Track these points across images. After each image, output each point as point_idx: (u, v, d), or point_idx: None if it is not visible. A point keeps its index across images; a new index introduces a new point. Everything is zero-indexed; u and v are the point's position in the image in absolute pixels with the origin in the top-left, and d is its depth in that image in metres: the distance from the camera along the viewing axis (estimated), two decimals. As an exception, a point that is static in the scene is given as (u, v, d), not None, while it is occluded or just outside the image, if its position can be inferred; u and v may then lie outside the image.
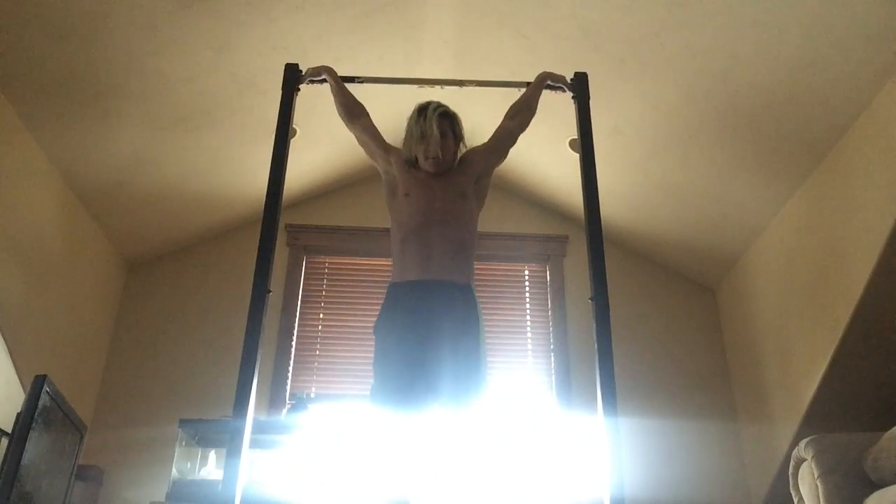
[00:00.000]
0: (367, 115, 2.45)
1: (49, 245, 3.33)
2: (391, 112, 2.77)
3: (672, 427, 3.90)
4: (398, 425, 2.02)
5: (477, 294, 2.20)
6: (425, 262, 2.15)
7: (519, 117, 2.45)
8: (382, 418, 2.03)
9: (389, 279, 2.24)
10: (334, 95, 2.45)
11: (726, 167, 3.46)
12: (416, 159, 2.30)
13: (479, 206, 2.35)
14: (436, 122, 2.24)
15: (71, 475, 3.05)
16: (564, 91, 2.44)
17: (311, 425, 3.57)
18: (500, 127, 2.44)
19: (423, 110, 2.29)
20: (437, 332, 2.09)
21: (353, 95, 2.46)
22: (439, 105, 2.31)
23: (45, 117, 3.04)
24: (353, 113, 2.43)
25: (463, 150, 2.38)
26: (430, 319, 2.10)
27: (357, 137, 2.45)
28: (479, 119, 2.90)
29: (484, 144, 2.42)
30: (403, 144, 2.33)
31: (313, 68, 2.43)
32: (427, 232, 2.18)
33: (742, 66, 2.87)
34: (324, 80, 2.45)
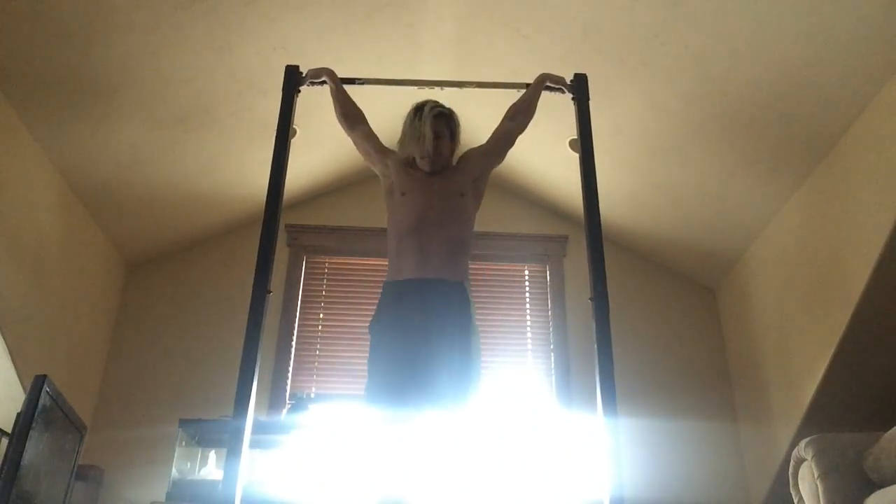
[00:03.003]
0: (366, 121, 2.45)
1: (49, 245, 3.33)
2: (391, 113, 2.76)
3: (672, 427, 3.90)
4: (393, 424, 2.02)
5: (471, 293, 2.21)
6: (421, 261, 2.16)
7: (518, 118, 2.45)
8: (377, 418, 2.03)
9: (385, 278, 2.24)
10: (334, 100, 2.45)
11: (726, 167, 3.46)
12: (413, 159, 2.30)
13: (476, 205, 2.36)
14: (431, 121, 2.24)
15: (71, 475, 3.05)
16: (564, 92, 2.44)
17: (311, 425, 3.57)
18: (498, 127, 2.44)
19: (419, 110, 2.29)
20: (430, 330, 2.09)
21: (352, 102, 2.46)
22: (436, 104, 2.30)
23: (45, 117, 3.04)
24: (353, 120, 2.43)
25: (461, 149, 2.38)
26: (423, 318, 2.10)
27: (355, 143, 2.46)
28: (479, 120, 2.90)
29: (483, 145, 2.42)
30: (399, 143, 2.33)
31: (314, 70, 2.42)
32: (424, 231, 2.19)
33: (742, 66, 2.87)
34: (324, 83, 2.44)
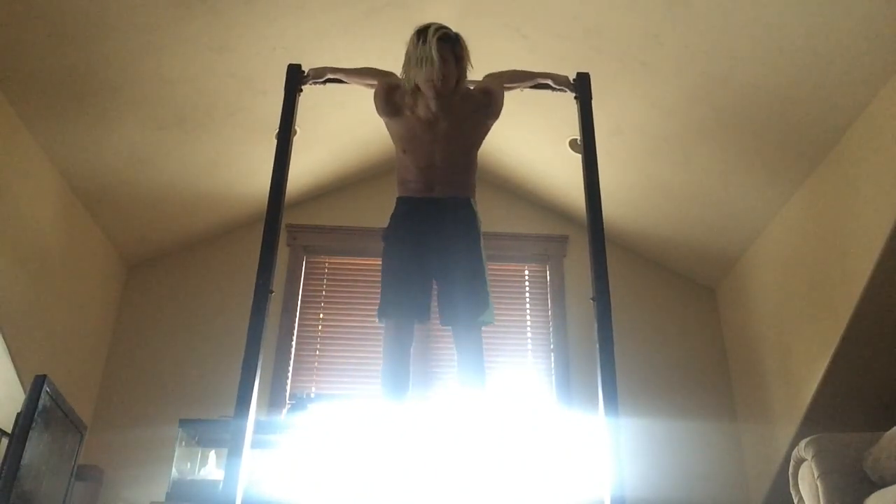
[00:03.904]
0: (379, 74, 2.39)
1: (49, 245, 3.32)
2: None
3: (672, 427, 3.90)
4: (401, 342, 2.15)
5: (478, 208, 2.29)
6: (428, 181, 2.23)
7: (507, 85, 2.43)
8: (389, 336, 2.16)
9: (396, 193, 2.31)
10: (357, 84, 2.44)
11: (726, 167, 3.46)
12: (417, 86, 2.23)
13: (482, 130, 2.33)
14: (435, 46, 2.15)
15: (71, 475, 3.05)
16: (566, 91, 2.44)
17: (311, 425, 3.56)
18: (495, 82, 2.39)
19: (422, 33, 2.19)
20: (439, 248, 2.19)
21: (366, 72, 2.43)
22: (440, 27, 2.19)
23: (45, 117, 3.04)
24: (374, 83, 2.39)
25: (469, 70, 2.29)
26: (432, 237, 2.20)
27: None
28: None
29: (488, 85, 2.37)
30: (403, 70, 2.27)
31: (315, 70, 2.42)
32: (430, 151, 2.22)
33: (742, 67, 2.87)
34: (327, 81, 2.44)
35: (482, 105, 2.29)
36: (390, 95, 2.28)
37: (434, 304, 2.23)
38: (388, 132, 2.37)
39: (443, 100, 2.21)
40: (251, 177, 3.89)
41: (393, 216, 2.30)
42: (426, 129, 2.23)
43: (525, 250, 4.41)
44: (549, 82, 2.44)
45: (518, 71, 2.48)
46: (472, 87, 2.34)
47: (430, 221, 2.22)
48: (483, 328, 2.18)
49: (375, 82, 2.35)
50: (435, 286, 2.25)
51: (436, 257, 2.20)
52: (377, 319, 2.20)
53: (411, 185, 2.27)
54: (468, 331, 2.15)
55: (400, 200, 2.30)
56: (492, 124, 2.35)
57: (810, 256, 3.25)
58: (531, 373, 4.12)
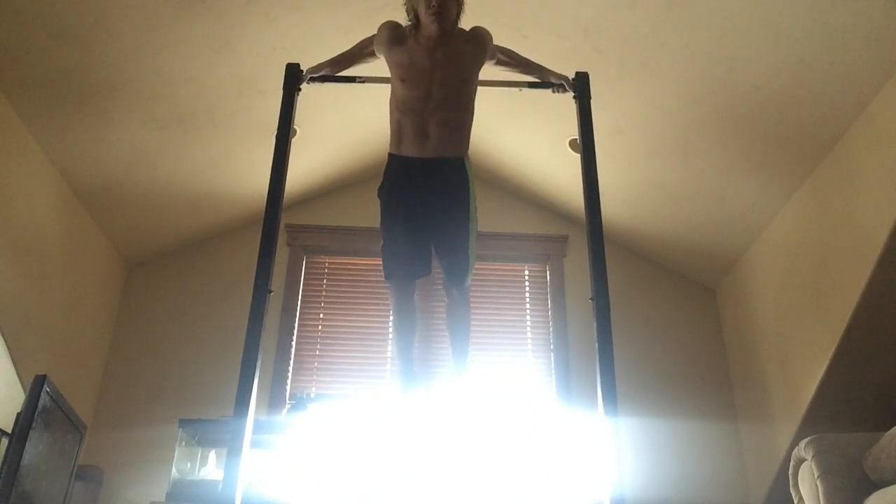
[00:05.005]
0: (371, 45, 2.46)
1: (49, 245, 3.33)
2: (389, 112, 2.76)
3: (672, 427, 3.90)
4: (406, 298, 2.32)
5: (471, 167, 2.36)
6: (422, 139, 2.27)
7: (501, 58, 2.49)
8: (394, 283, 2.33)
9: (389, 150, 2.36)
10: (358, 62, 2.49)
11: (726, 167, 3.46)
12: (418, 21, 2.29)
13: (477, 63, 2.38)
14: None
15: (71, 475, 3.05)
16: (566, 90, 2.44)
17: (311, 425, 3.56)
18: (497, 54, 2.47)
19: None
20: (430, 209, 2.29)
21: (360, 47, 2.48)
22: None
23: (45, 117, 3.04)
24: (372, 53, 2.47)
25: (463, 13, 2.37)
26: (424, 195, 2.28)
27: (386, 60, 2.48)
28: (478, 120, 2.90)
29: (486, 47, 2.42)
30: (405, 5, 2.34)
31: (311, 68, 2.42)
32: (428, 80, 2.26)
33: (742, 66, 2.87)
34: (326, 79, 2.44)
35: (477, 40, 2.38)
36: (394, 30, 2.37)
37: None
38: (389, 70, 2.41)
39: (443, 27, 2.27)
40: (251, 177, 3.89)
41: (386, 174, 2.35)
42: (426, 56, 2.27)
43: (525, 250, 4.41)
44: (550, 79, 2.44)
45: (517, 54, 2.53)
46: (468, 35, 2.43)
47: (422, 186, 2.29)
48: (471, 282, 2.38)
49: (372, 45, 2.45)
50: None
51: (428, 219, 2.32)
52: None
53: (405, 140, 2.30)
54: (454, 289, 2.35)
55: (393, 159, 2.35)
56: (484, 62, 2.41)
57: (810, 256, 3.25)
58: (531, 373, 4.12)
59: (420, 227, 2.32)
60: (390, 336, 2.35)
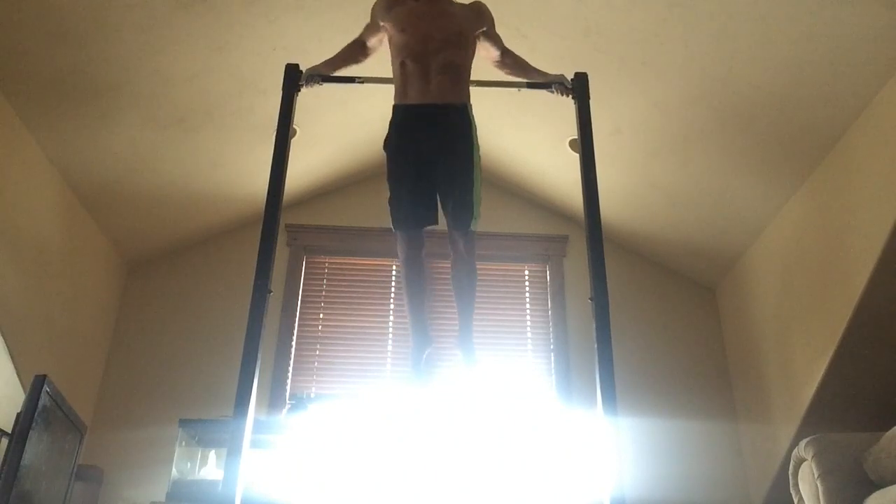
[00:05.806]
0: (365, 35, 2.55)
1: (49, 245, 3.33)
2: (390, 111, 2.77)
3: (672, 427, 3.90)
4: (413, 248, 2.34)
5: (473, 114, 2.39)
6: (424, 83, 2.33)
7: (499, 57, 2.55)
8: (401, 235, 2.33)
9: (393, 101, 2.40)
10: (351, 62, 2.55)
11: (726, 167, 3.46)
12: None
13: (474, 23, 2.46)
14: None
15: (71, 475, 3.05)
16: (565, 91, 2.43)
17: (311, 425, 3.56)
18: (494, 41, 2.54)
19: None
20: (435, 156, 2.32)
21: (346, 57, 2.55)
22: None
23: (45, 117, 3.04)
24: (367, 46, 2.56)
25: None
26: (428, 143, 2.31)
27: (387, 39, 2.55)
28: (479, 119, 2.90)
29: (484, 28, 2.50)
30: None
31: (309, 69, 2.42)
32: (427, 26, 2.35)
33: (742, 66, 2.87)
34: (324, 79, 2.44)
35: (473, 6, 2.49)
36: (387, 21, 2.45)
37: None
38: (389, 35, 2.48)
39: (434, 7, 2.39)
40: (251, 177, 3.89)
41: (391, 124, 2.39)
42: (425, 7, 2.39)
43: (525, 250, 4.41)
44: (551, 86, 2.44)
45: (517, 55, 2.58)
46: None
47: (426, 131, 2.33)
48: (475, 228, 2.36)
49: (370, 29, 2.52)
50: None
51: (433, 167, 2.34)
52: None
53: (409, 86, 2.35)
54: (460, 236, 2.35)
55: (397, 109, 2.39)
56: (480, 25, 2.48)
57: (810, 256, 3.25)
58: (531, 372, 4.12)
59: (425, 174, 2.34)
60: (402, 296, 2.37)
